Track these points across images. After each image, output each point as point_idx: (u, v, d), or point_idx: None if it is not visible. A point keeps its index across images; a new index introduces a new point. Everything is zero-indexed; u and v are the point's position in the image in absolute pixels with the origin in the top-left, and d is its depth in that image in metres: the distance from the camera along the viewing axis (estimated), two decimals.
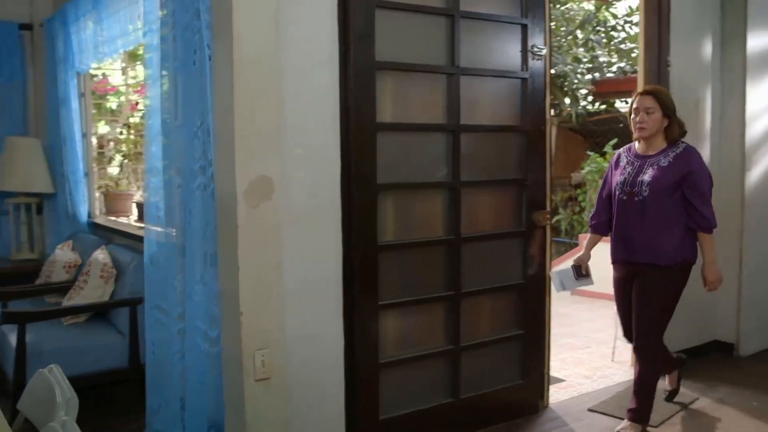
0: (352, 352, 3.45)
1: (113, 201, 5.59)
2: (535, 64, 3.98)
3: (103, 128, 6.17)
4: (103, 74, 6.03)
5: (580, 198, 9.89)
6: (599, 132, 12.37)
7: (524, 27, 3.94)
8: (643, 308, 3.75)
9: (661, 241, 3.68)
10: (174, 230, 3.56)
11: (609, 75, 12.76)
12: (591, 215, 4.09)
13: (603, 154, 8.53)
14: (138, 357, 4.16)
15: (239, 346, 3.09)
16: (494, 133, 3.97)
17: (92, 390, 4.26)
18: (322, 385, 3.40)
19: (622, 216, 3.81)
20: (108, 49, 4.75)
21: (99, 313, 4.54)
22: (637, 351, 3.85)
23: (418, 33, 3.63)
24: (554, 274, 4.11)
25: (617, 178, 3.84)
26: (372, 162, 3.43)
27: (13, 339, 4.07)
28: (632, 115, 3.76)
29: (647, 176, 3.68)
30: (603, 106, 12.78)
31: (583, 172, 8.91)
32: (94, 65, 5.29)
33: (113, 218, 5.45)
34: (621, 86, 12.03)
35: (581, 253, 4.14)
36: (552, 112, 10.27)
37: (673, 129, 3.71)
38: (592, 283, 4.15)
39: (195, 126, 3.33)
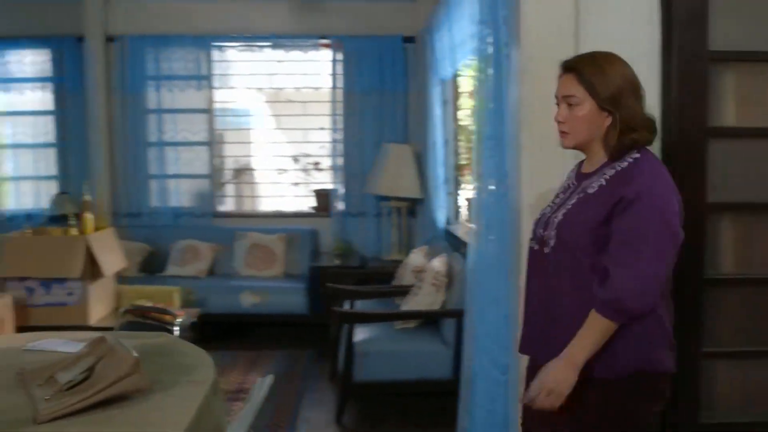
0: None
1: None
2: None
3: None
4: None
5: None
6: None
7: None
8: None
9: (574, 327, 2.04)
10: (490, 240, 3.31)
11: None
12: None
13: None
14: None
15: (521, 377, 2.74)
16: None
17: (413, 397, 4.27)
18: None
19: (528, 280, 2.23)
20: (459, 54, 4.70)
21: (430, 321, 4.51)
22: None
23: None
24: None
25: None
26: (700, 175, 2.77)
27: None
28: None
29: (561, 213, 2.10)
30: None
31: None
32: (452, 72, 5.29)
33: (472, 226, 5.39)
34: None
35: None
36: None
37: (617, 132, 2.02)
38: None
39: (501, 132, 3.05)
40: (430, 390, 4.23)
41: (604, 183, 2.02)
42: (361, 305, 5.05)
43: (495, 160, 2.98)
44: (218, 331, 6.05)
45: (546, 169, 2.63)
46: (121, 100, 6.59)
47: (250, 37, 6.59)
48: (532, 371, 2.11)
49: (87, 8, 6.40)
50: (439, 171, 5.58)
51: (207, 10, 6.49)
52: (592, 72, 2.01)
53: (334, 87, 6.60)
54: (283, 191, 7.05)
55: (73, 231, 4.73)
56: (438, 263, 4.52)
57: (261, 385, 2.07)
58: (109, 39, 6.55)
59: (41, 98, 6.64)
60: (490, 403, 3.12)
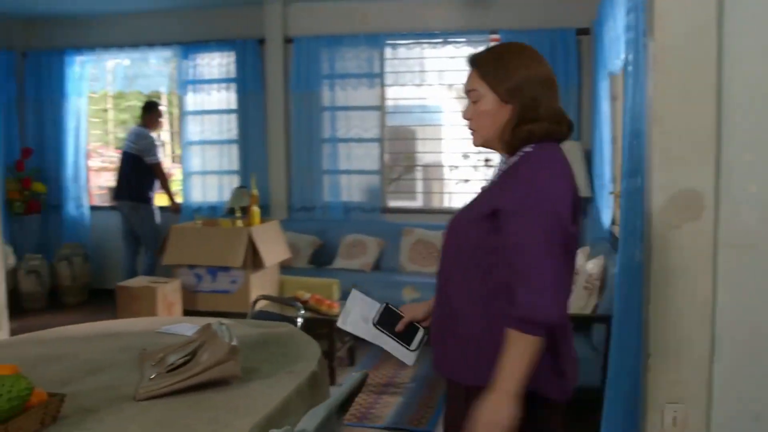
0: None
1: None
2: None
3: None
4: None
5: None
6: None
7: None
8: None
9: (464, 337, 1.87)
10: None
11: None
12: None
13: None
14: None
15: (644, 394, 2.55)
16: None
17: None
18: None
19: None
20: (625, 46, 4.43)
21: (582, 326, 4.29)
22: None
23: None
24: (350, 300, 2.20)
25: None
26: None
27: None
28: None
29: (454, 216, 1.96)
30: None
31: None
32: (620, 65, 5.00)
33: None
34: None
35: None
36: None
37: (512, 124, 1.85)
38: (408, 351, 2.06)
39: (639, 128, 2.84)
40: (577, 397, 4.03)
41: (495, 180, 1.92)
42: None
43: (633, 159, 2.78)
44: None
45: (678, 167, 2.41)
46: (297, 99, 6.89)
47: (420, 34, 6.63)
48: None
49: (267, 12, 6.79)
50: (605, 169, 5.31)
51: (379, 9, 6.62)
52: (495, 65, 1.88)
53: None
54: (452, 188, 7.04)
55: (239, 223, 5.00)
56: (593, 265, 4.30)
57: (349, 379, 2.06)
58: (287, 40, 6.88)
59: (226, 98, 7.09)
60: (622, 415, 2.92)
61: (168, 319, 2.86)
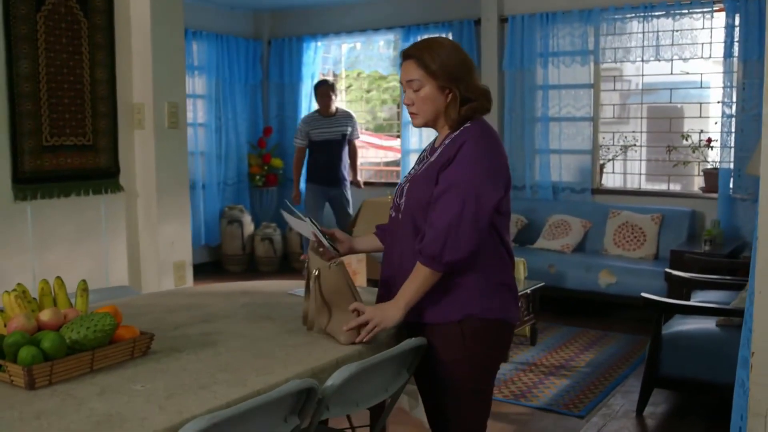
0: None
1: None
2: None
3: None
4: None
5: None
6: None
7: None
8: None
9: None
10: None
11: None
12: None
13: None
14: None
15: (745, 398, 2.35)
16: None
17: (724, 402, 3.78)
18: None
19: (387, 246, 2.42)
20: None
21: None
22: None
23: None
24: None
25: None
26: None
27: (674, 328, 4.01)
28: None
29: (408, 185, 2.31)
30: None
31: None
32: None
33: None
34: None
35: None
36: None
37: (457, 105, 2.21)
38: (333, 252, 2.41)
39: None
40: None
41: (440, 152, 2.22)
42: (710, 296, 4.60)
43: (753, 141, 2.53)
44: (574, 306, 6.09)
45: None
46: (511, 78, 6.92)
47: (638, 7, 6.32)
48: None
49: None
50: None
51: None
52: (429, 56, 2.19)
53: (729, 56, 5.96)
54: (668, 170, 6.65)
55: None
56: None
57: (405, 343, 2.15)
58: (502, 20, 6.92)
59: None
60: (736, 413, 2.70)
61: (299, 284, 3.17)
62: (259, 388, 1.83)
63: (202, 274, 7.40)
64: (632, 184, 6.93)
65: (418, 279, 2.16)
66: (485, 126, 2.23)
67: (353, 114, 7.12)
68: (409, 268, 2.20)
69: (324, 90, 6.86)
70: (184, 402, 1.72)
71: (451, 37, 7.18)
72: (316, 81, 7.44)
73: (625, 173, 6.99)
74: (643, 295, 3.94)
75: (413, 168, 2.38)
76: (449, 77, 2.18)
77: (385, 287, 2.36)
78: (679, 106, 7.32)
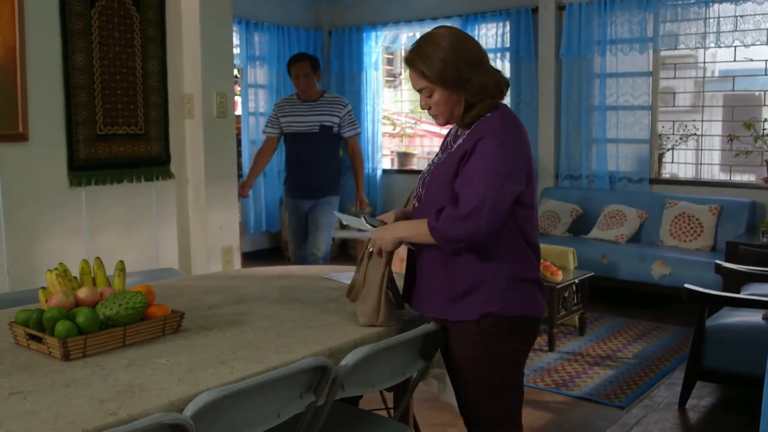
0: None
1: None
2: None
3: None
4: None
5: None
6: None
7: None
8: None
9: (445, 282, 2.24)
10: None
11: None
12: None
13: None
14: None
15: None
16: None
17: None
18: None
19: None
20: None
21: None
22: None
23: None
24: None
25: None
26: None
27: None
28: None
29: (429, 174, 2.30)
30: None
31: None
32: None
33: None
34: None
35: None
36: None
37: (461, 109, 2.19)
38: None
39: None
40: None
41: (460, 142, 2.20)
42: (764, 289, 4.51)
43: None
44: (626, 297, 6.02)
45: None
46: (568, 66, 6.86)
47: None
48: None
49: None
50: None
51: None
52: (425, 64, 2.15)
53: None
54: (730, 160, 6.49)
55: None
56: None
57: (420, 329, 2.21)
58: (560, 8, 6.86)
59: (500, 67, 7.28)
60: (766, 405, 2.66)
61: (337, 268, 3.27)
62: (275, 365, 1.93)
63: (262, 260, 7.62)
64: (697, 173, 6.78)
65: (419, 230, 2.18)
66: (504, 115, 2.18)
67: (346, 101, 5.24)
68: (432, 258, 2.23)
69: (300, 66, 4.98)
70: (202, 375, 1.84)
71: (508, 26, 7.20)
72: (379, 68, 7.43)
73: (687, 163, 6.85)
74: (686, 286, 3.90)
75: (437, 155, 2.37)
76: (451, 82, 2.14)
77: (409, 281, 2.39)
78: (756, 93, 7.11)
